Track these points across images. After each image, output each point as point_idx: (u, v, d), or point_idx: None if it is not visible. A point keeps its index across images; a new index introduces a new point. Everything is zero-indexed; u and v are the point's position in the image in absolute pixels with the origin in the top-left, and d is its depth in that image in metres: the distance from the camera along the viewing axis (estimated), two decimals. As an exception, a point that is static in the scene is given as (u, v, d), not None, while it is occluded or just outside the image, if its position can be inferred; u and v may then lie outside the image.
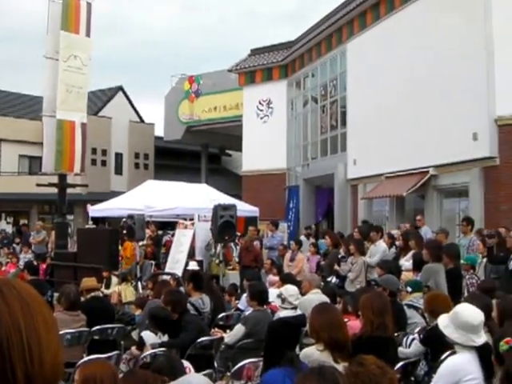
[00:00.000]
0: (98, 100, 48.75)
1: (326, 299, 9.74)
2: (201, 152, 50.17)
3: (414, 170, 23.26)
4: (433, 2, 22.96)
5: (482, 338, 5.83)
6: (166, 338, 9.28)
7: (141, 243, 20.06)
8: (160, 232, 24.45)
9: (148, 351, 8.54)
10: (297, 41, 35.78)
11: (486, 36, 20.23)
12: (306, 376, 4.15)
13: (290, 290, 9.79)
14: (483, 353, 5.77)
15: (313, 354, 6.32)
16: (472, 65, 20.56)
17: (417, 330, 8.87)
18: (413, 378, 8.11)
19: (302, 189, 33.76)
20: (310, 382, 4.05)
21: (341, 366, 5.47)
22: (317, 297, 9.96)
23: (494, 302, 7.67)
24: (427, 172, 22.73)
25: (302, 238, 22.22)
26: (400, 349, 8.15)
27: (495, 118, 20.03)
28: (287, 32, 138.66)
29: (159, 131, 50.77)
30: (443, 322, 6.00)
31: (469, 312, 5.91)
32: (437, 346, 7.12)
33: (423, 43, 22.92)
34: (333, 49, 31.56)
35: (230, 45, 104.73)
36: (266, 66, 37.49)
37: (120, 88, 51.15)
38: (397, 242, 16.43)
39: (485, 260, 13.18)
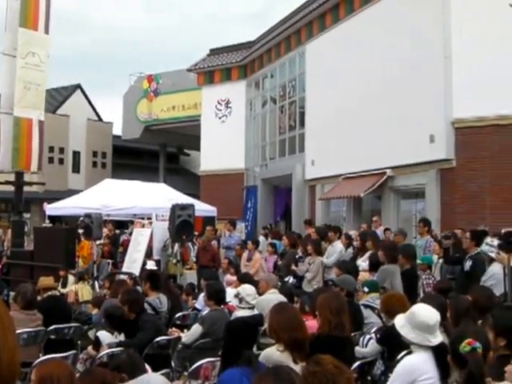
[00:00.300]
0: (56, 98, 48.41)
1: (283, 299, 9.74)
2: (159, 151, 50.06)
3: (372, 171, 23.43)
4: (392, 5, 23.10)
5: (438, 338, 5.87)
6: (122, 337, 9.23)
7: (98, 242, 19.92)
8: (117, 231, 24.30)
9: (105, 351, 8.48)
10: (256, 41, 35.85)
11: (444, 40, 20.43)
12: (262, 376, 4.16)
13: (248, 289, 9.79)
14: (439, 353, 5.80)
15: (273, 354, 6.32)
16: (430, 68, 20.75)
17: (373, 329, 8.92)
18: (369, 378, 8.14)
19: (260, 189, 33.83)
20: (265, 383, 4.05)
21: (299, 367, 5.48)
22: (274, 297, 9.96)
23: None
24: (384, 173, 22.90)
25: (261, 238, 22.23)
26: (357, 348, 8.19)
27: (452, 120, 20.25)
28: (249, 33, 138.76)
29: (117, 130, 50.59)
30: (400, 321, 6.03)
31: (425, 312, 5.95)
32: (393, 345, 7.16)
33: (382, 46, 23.09)
34: (292, 50, 31.66)
35: (191, 45, 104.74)
36: (225, 66, 37.52)
37: (78, 86, 50.84)
38: (354, 243, 16.49)
39: (441, 261, 13.29)
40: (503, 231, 7.64)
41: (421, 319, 5.84)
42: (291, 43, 31.73)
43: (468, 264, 11.07)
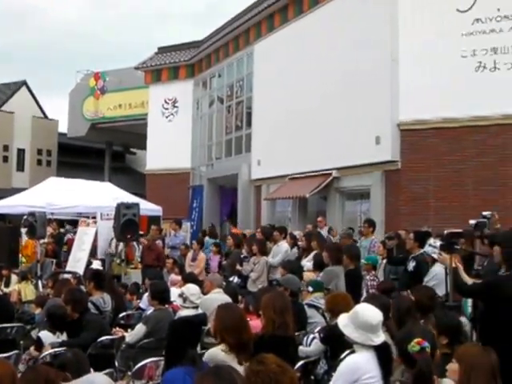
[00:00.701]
0: (1, 94, 47.77)
1: (227, 299, 9.76)
2: (105, 150, 49.69)
3: (318, 171, 23.52)
4: (341, 7, 23.21)
5: (381, 338, 5.91)
6: (64, 337, 9.14)
7: (42, 241, 19.66)
8: (62, 230, 24.06)
9: (47, 351, 8.39)
10: (204, 41, 35.81)
11: (391, 43, 20.62)
12: (203, 376, 4.16)
13: (192, 289, 9.78)
14: (381, 352, 5.86)
15: (217, 354, 6.30)
16: (377, 70, 20.92)
17: (317, 329, 8.94)
18: (313, 377, 8.17)
19: (206, 188, 33.79)
20: (207, 382, 4.06)
21: (244, 367, 5.49)
22: (219, 296, 9.96)
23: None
24: (330, 174, 23.01)
25: (207, 237, 22.15)
26: (300, 348, 8.22)
27: (398, 122, 20.44)
28: (197, 32, 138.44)
29: (63, 128, 50.05)
30: (343, 321, 6.06)
31: (368, 312, 5.99)
32: (336, 345, 7.20)
33: (330, 47, 23.22)
34: (240, 50, 31.68)
35: (139, 43, 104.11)
36: (172, 64, 37.39)
37: (24, 83, 50.19)
38: (299, 243, 16.54)
39: (384, 261, 13.41)
40: (445, 232, 7.73)
41: (364, 319, 5.88)
42: (239, 43, 31.75)
43: (411, 264, 11.18)
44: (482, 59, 19.58)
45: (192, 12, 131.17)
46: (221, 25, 33.94)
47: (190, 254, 18.43)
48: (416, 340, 5.23)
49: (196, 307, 9.55)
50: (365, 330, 5.84)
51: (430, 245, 10.56)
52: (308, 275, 12.78)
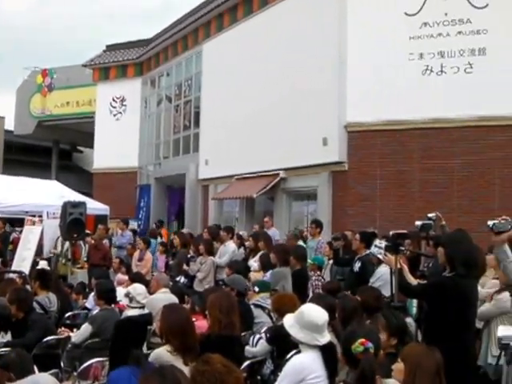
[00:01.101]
0: None
1: (174, 299, 9.73)
2: (52, 148, 49.18)
3: (265, 172, 23.56)
4: (290, 9, 23.28)
5: (326, 338, 5.95)
6: (9, 337, 9.04)
7: (-14, 240, 19.44)
8: (7, 229, 23.77)
9: (-9, 351, 8.29)
10: (153, 39, 35.65)
11: (339, 44, 20.72)
12: (148, 377, 4.16)
13: (138, 288, 9.75)
14: (327, 352, 5.90)
15: (163, 355, 6.28)
16: (325, 72, 21.01)
17: (263, 329, 8.97)
18: (259, 377, 8.20)
19: (154, 188, 33.70)
20: (151, 383, 4.06)
21: (188, 368, 5.48)
22: (165, 296, 9.91)
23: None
24: (277, 175, 23.07)
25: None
26: (247, 348, 8.24)
27: (345, 124, 20.56)
28: (146, 31, 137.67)
29: (10, 125, 49.39)
30: (289, 321, 6.09)
31: (313, 312, 6.03)
32: (283, 345, 7.22)
33: (279, 48, 23.28)
34: (189, 49, 31.64)
35: (88, 41, 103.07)
36: (120, 62, 37.20)
37: (-32, 79, 49.52)
38: (247, 243, 16.56)
39: (331, 262, 13.50)
40: (391, 233, 7.81)
41: (309, 319, 5.91)
42: (188, 42, 31.69)
43: (357, 265, 11.28)
44: (429, 63, 19.81)
45: (141, 10, 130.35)
46: (170, 23, 33.78)
47: (136, 254, 18.35)
48: (360, 341, 5.28)
49: (142, 307, 9.51)
50: (310, 330, 5.88)
51: (375, 245, 10.65)
52: (255, 275, 12.83)
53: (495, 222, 6.06)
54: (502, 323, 7.81)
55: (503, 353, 5.77)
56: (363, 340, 5.28)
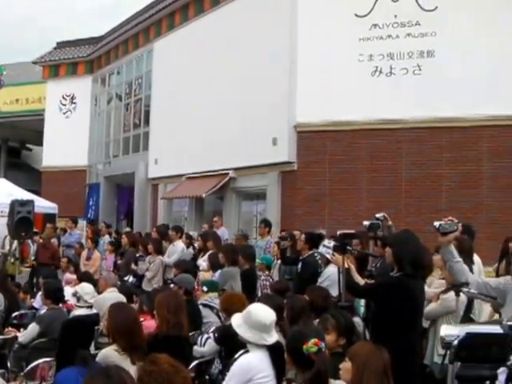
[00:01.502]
0: None
1: (122, 298, 9.68)
2: (0, 145, 48.53)
3: (215, 171, 23.55)
4: (241, 8, 23.32)
5: (274, 337, 5.97)
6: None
7: None
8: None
9: None
10: (104, 37, 35.38)
11: (290, 44, 20.83)
12: (93, 378, 4.13)
13: (86, 288, 9.67)
14: (274, 351, 5.91)
15: (111, 355, 6.25)
16: (276, 71, 21.09)
17: (212, 329, 8.97)
18: (207, 377, 8.21)
19: (103, 186, 33.46)
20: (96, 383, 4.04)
21: (136, 367, 5.46)
22: (113, 296, 9.86)
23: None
24: (227, 174, 23.07)
25: (107, 236, 21.79)
26: (195, 348, 8.23)
27: (295, 124, 20.64)
28: (97, 28, 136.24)
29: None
30: (236, 321, 6.09)
31: (261, 312, 6.03)
32: (231, 344, 7.22)
33: (230, 47, 23.27)
34: (140, 47, 31.51)
35: (38, 37, 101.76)
36: (71, 60, 36.87)
37: None
38: (196, 243, 16.54)
39: (279, 261, 13.54)
40: (338, 233, 7.86)
41: (257, 318, 5.92)
42: (139, 41, 31.54)
43: (299, 266, 11.36)
44: (378, 64, 19.98)
45: (92, 8, 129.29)
46: (121, 21, 33.55)
47: (84, 253, 18.23)
48: (313, 341, 5.28)
49: (90, 307, 9.44)
50: (258, 330, 5.88)
51: (324, 245, 10.67)
52: (204, 275, 12.83)
53: (441, 223, 6.13)
54: (448, 322, 7.90)
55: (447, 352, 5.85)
56: (317, 340, 5.29)
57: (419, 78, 19.52)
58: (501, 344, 4.78)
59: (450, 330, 5.34)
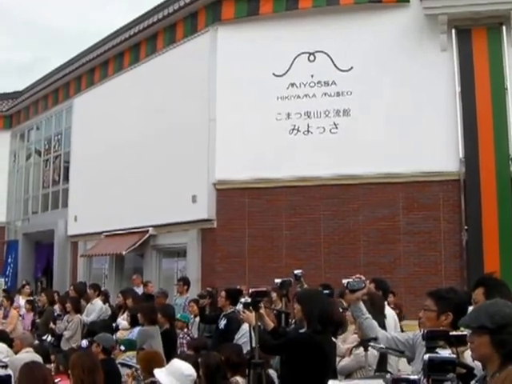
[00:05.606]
0: None
1: (38, 358, 9.56)
2: None
3: (135, 229, 23.49)
4: (160, 65, 23.56)
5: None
6: None
7: None
8: None
9: None
10: (23, 92, 35.17)
11: (209, 102, 21.04)
12: None
13: (0, 348, 9.54)
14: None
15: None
16: (196, 129, 21.27)
17: (130, 388, 8.93)
18: None
19: (22, 244, 32.95)
20: None
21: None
22: (29, 356, 9.73)
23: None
24: (147, 231, 23.05)
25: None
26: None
27: (214, 181, 20.75)
28: (16, 83, 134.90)
29: None
30: (161, 373, 6.15)
31: (183, 365, 6.11)
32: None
33: (150, 104, 23.41)
34: (59, 103, 31.39)
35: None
36: (-11, 115, 36.38)
37: None
38: (117, 300, 16.42)
39: (197, 319, 13.57)
40: (250, 291, 7.98)
41: (181, 370, 5.99)
42: (59, 96, 31.44)
43: (223, 322, 11.41)
44: (296, 122, 20.31)
45: (12, 62, 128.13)
46: (41, 77, 33.47)
47: (0, 312, 17.92)
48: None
49: (5, 367, 9.30)
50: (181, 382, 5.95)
51: (241, 302, 10.80)
52: (123, 333, 12.76)
53: (349, 280, 6.29)
54: (362, 377, 8.03)
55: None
56: None
57: (335, 136, 19.87)
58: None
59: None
